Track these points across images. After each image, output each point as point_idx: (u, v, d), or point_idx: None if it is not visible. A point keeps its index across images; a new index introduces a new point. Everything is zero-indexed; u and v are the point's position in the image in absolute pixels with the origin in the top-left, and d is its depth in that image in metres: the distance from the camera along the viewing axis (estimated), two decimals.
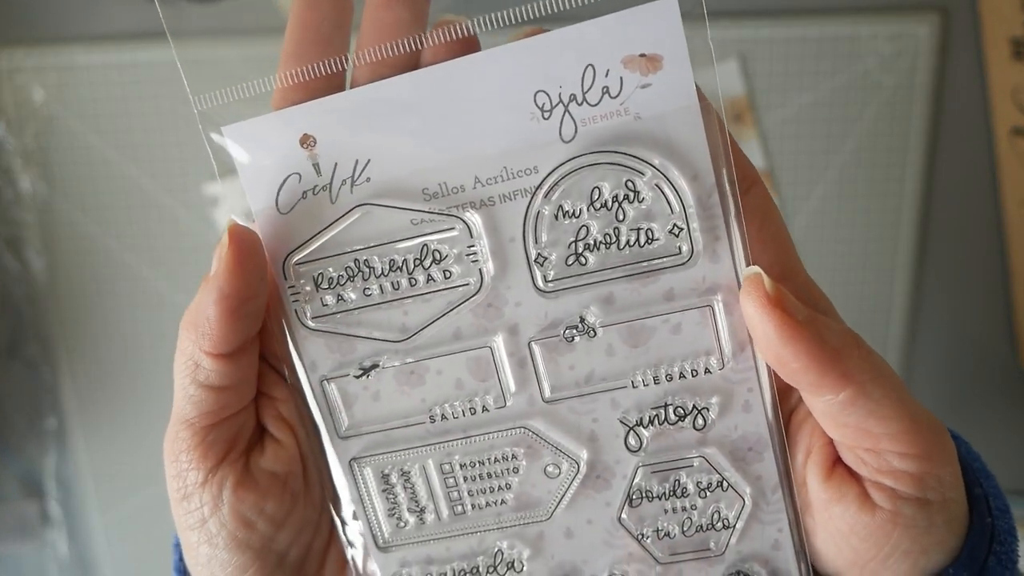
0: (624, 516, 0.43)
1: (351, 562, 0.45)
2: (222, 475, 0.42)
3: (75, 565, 1.24)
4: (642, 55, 0.37)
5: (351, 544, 0.45)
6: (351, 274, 0.40)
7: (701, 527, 0.43)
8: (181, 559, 0.46)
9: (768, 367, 0.40)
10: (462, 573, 0.44)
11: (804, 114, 1.07)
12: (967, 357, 1.16)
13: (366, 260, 0.40)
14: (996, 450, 1.14)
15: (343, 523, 0.44)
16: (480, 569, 0.44)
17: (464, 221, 0.40)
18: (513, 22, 0.38)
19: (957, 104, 1.07)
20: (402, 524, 0.44)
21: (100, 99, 1.06)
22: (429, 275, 0.40)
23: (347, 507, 0.44)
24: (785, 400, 0.42)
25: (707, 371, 0.41)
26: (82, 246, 1.13)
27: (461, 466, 0.43)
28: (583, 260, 0.40)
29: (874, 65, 1.05)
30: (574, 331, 0.40)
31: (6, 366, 1.16)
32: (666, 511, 0.43)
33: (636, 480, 0.42)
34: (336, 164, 0.39)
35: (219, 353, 0.40)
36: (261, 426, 0.44)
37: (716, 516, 0.43)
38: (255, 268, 0.39)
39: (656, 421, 0.42)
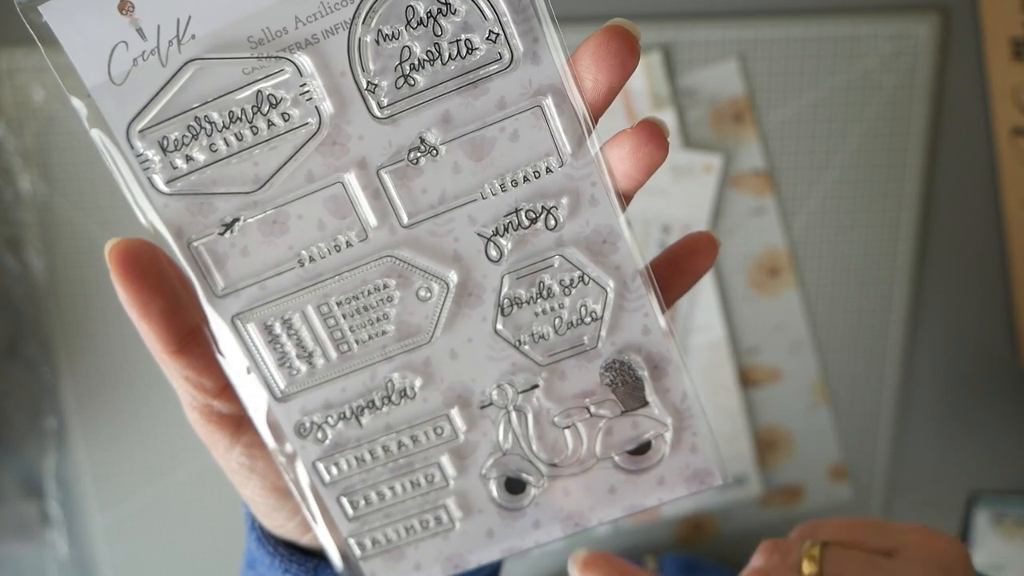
0: (500, 327, 0.43)
1: (255, 423, 0.45)
2: (245, 440, 0.45)
3: (75, 565, 1.21)
4: None
5: (250, 404, 0.44)
6: (194, 133, 0.40)
7: (571, 323, 0.43)
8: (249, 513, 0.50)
9: (608, 160, 0.40)
10: (359, 410, 0.45)
11: (804, 114, 1.05)
12: (967, 357, 1.13)
13: (206, 116, 0.40)
14: (996, 450, 1.15)
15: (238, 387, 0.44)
16: (376, 402, 0.44)
17: (293, 62, 0.39)
18: None
19: (957, 104, 1.04)
20: (294, 372, 0.44)
21: None
22: (269, 120, 0.40)
23: (239, 366, 0.43)
24: None
25: (548, 170, 0.41)
26: (82, 246, 1.10)
27: (338, 304, 0.43)
28: (412, 81, 0.39)
29: (874, 65, 1.03)
30: (417, 153, 0.40)
31: (6, 366, 1.13)
32: (536, 314, 0.43)
33: (504, 290, 0.42)
34: (159, 26, 0.38)
35: (167, 352, 0.42)
36: None
37: (584, 310, 0.43)
38: (141, 272, 0.40)
39: (511, 227, 0.42)
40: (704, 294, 1.09)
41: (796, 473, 1.16)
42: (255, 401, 0.44)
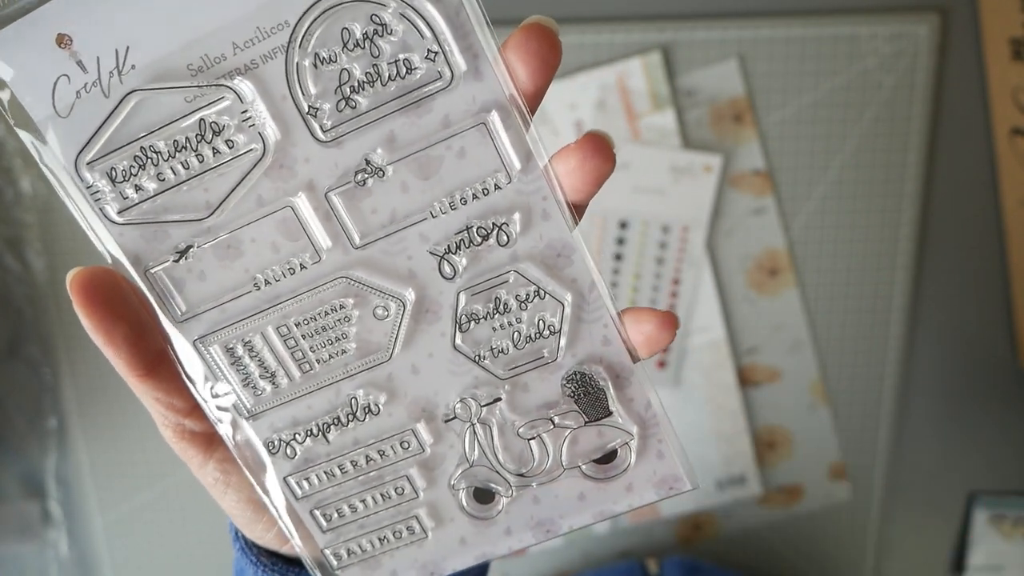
0: (459, 342, 0.42)
1: (226, 438, 0.44)
2: (218, 456, 0.45)
3: (75, 565, 1.21)
4: None
5: (220, 420, 0.44)
6: (141, 163, 0.39)
7: (530, 337, 0.42)
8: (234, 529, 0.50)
9: (556, 174, 0.39)
10: (326, 426, 0.44)
11: (804, 114, 1.03)
12: (967, 357, 1.12)
13: (151, 146, 0.39)
14: (996, 450, 1.13)
15: (207, 401, 0.44)
16: (342, 419, 0.43)
17: (232, 89, 0.38)
18: None
19: (957, 104, 1.03)
20: (259, 392, 0.43)
21: None
22: (214, 148, 0.39)
23: (205, 387, 0.43)
24: None
25: (497, 187, 0.39)
26: (82, 246, 1.09)
27: (297, 325, 0.42)
28: (353, 103, 0.38)
29: (874, 65, 1.01)
30: (364, 174, 0.39)
31: (7, 366, 1.13)
32: (495, 329, 0.42)
33: (461, 306, 0.41)
34: (98, 58, 0.37)
35: (135, 376, 0.41)
36: None
37: (542, 324, 0.41)
38: (103, 300, 0.40)
39: (463, 245, 0.40)
40: (704, 294, 1.08)
41: (795, 473, 1.14)
42: (223, 420, 0.43)
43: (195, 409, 0.44)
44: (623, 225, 1.06)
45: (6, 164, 1.06)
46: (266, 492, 0.45)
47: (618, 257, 1.06)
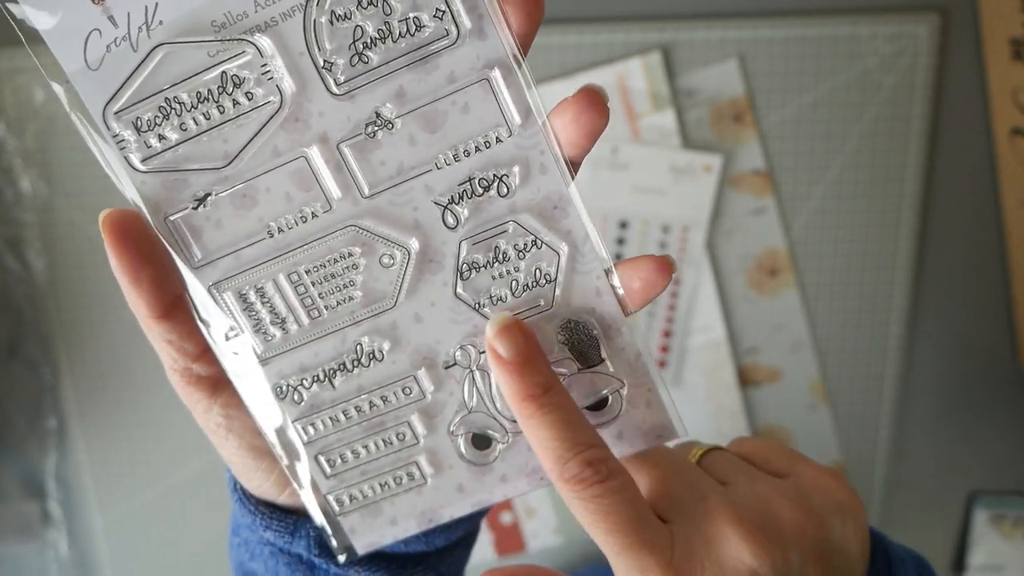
0: (460, 291, 0.44)
1: (235, 384, 0.47)
2: (222, 400, 0.47)
3: (75, 565, 1.22)
4: None
5: (230, 368, 0.46)
6: (165, 113, 0.42)
7: (527, 286, 0.44)
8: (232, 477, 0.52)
9: (553, 128, 0.42)
10: (332, 372, 0.46)
11: (804, 114, 1.05)
12: (967, 357, 1.13)
13: (175, 97, 0.42)
14: (996, 450, 1.16)
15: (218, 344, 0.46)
16: (347, 365, 0.46)
17: (254, 44, 0.41)
18: None
19: (957, 104, 1.05)
20: (270, 338, 0.45)
21: None
22: (235, 100, 0.42)
23: (219, 332, 0.45)
24: None
25: (498, 140, 0.42)
26: (82, 246, 1.12)
27: (307, 272, 0.44)
28: (366, 59, 0.41)
29: (874, 65, 1.03)
30: (374, 127, 0.42)
31: (6, 366, 1.15)
32: (494, 278, 0.44)
33: (462, 255, 0.44)
34: (129, 13, 0.40)
35: (152, 317, 0.44)
36: None
37: (538, 273, 0.44)
38: (133, 241, 0.42)
39: (466, 196, 0.43)
40: (704, 294, 1.10)
41: None
42: (233, 364, 0.46)
43: (204, 353, 0.46)
44: (623, 225, 1.08)
45: (6, 164, 1.08)
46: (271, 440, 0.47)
47: (618, 257, 1.08)
